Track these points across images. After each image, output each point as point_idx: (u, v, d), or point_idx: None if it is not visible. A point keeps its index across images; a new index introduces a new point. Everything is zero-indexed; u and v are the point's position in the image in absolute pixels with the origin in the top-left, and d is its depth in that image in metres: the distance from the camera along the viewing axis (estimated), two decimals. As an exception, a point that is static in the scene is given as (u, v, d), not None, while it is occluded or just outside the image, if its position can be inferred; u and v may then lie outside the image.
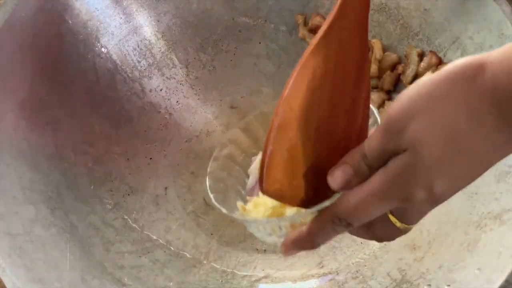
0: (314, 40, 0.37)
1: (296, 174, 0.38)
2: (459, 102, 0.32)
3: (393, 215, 0.37)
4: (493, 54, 0.32)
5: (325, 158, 0.38)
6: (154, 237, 0.67)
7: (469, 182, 0.34)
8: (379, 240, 0.40)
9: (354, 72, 0.38)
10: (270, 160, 0.38)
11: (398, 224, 0.37)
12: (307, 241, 0.38)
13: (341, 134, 0.38)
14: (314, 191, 0.39)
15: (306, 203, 0.39)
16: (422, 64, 0.65)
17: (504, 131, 0.32)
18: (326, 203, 0.37)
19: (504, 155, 0.33)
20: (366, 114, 0.40)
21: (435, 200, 0.35)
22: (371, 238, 0.40)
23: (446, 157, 0.33)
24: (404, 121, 0.33)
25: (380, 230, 0.39)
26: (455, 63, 0.33)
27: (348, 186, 0.36)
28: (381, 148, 0.34)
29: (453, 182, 0.34)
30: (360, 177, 0.36)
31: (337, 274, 0.62)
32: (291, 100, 0.37)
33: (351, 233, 0.40)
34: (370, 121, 0.41)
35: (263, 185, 0.39)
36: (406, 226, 0.37)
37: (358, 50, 0.37)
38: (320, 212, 0.38)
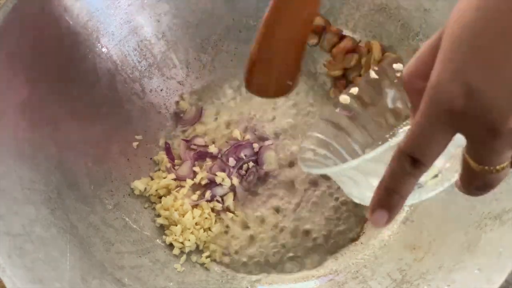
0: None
1: (272, 71, 0.51)
2: None
3: (468, 154, 0.34)
4: None
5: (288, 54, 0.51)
6: (154, 237, 0.67)
7: None
8: (484, 185, 0.35)
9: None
10: (256, 62, 0.50)
11: (472, 164, 0.34)
12: (386, 195, 0.36)
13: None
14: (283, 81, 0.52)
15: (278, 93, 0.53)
16: (422, 64, 0.64)
17: None
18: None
19: None
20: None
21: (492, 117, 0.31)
22: (477, 183, 0.35)
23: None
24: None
25: (464, 176, 0.35)
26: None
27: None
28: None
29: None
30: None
31: (337, 274, 0.62)
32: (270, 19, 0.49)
33: (464, 191, 0.37)
34: None
35: (250, 83, 0.52)
36: (481, 167, 0.34)
37: None
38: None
